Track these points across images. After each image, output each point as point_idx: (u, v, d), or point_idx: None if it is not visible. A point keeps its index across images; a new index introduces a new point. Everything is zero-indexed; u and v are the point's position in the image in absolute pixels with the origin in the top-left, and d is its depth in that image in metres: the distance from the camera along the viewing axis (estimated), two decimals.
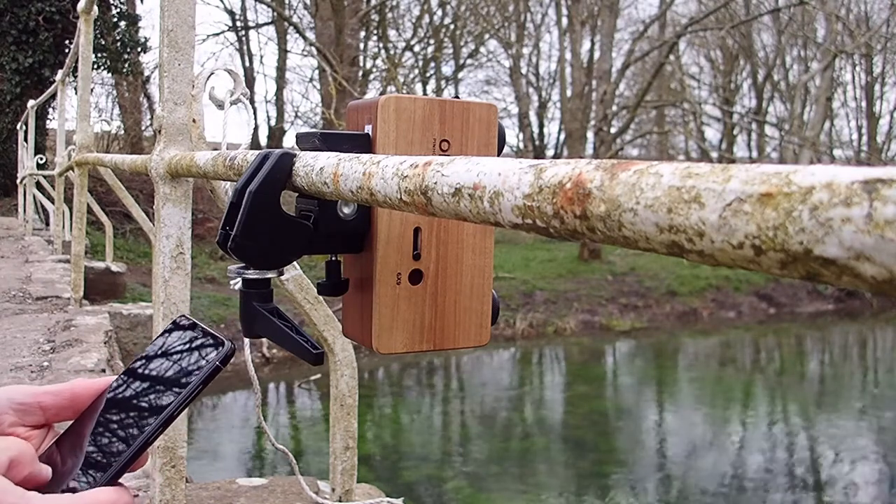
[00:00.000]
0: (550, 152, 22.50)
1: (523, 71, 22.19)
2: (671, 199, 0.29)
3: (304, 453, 6.36)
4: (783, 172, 0.26)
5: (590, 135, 17.30)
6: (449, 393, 9.21)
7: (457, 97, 0.67)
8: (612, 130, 17.00)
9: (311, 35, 15.74)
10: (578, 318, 12.76)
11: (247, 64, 19.93)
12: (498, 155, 0.67)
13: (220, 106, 1.25)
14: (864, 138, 24.14)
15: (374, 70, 19.04)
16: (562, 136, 21.21)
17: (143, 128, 15.72)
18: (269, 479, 1.94)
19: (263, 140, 19.56)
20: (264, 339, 0.68)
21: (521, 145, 22.30)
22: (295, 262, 1.23)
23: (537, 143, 22.67)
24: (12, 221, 9.88)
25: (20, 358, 2.77)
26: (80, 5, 3.17)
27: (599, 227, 0.33)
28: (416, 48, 20.43)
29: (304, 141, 0.66)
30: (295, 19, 17.87)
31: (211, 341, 0.53)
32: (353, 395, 1.39)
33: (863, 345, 13.11)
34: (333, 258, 0.67)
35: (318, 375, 8.53)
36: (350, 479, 1.40)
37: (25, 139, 8.87)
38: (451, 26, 20.78)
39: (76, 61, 3.46)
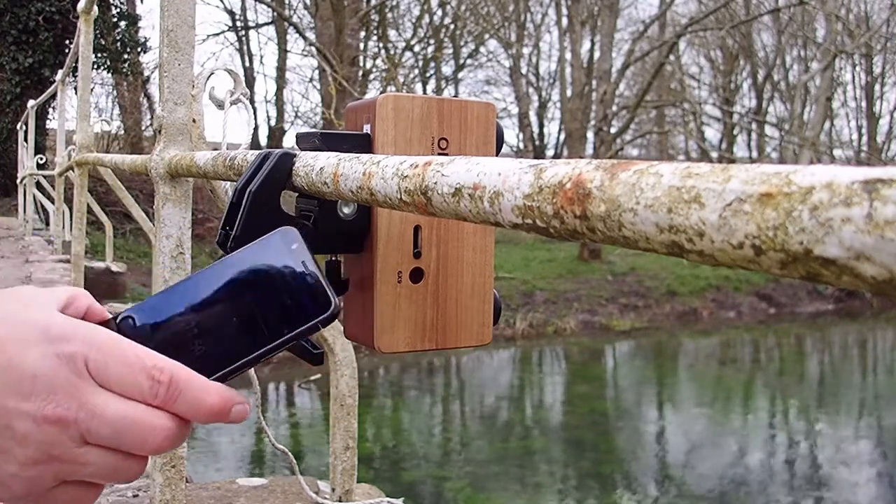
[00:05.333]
0: (550, 152, 22.48)
1: (523, 71, 22.18)
2: (671, 199, 0.29)
3: (304, 453, 6.36)
4: (783, 172, 0.26)
5: (590, 135, 17.29)
6: (449, 393, 9.21)
7: (456, 97, 0.67)
8: (612, 130, 17.00)
9: (311, 35, 15.74)
10: (578, 318, 12.75)
11: (247, 64, 19.94)
12: (497, 153, 0.67)
13: (220, 106, 1.25)
14: (864, 138, 24.15)
15: (374, 70, 19.05)
16: (562, 136, 21.21)
17: (143, 128, 15.72)
18: (269, 479, 1.94)
19: (263, 140, 19.55)
20: None
21: (521, 145, 22.28)
22: None
23: (537, 143, 22.65)
24: (12, 221, 9.88)
25: None
26: (80, 5, 3.17)
27: (599, 227, 0.33)
28: (416, 48, 20.44)
29: (304, 141, 0.66)
30: (295, 19, 17.87)
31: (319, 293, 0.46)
32: (353, 395, 1.39)
33: (863, 345, 13.10)
34: (333, 258, 0.67)
35: (318, 375, 8.53)
36: (350, 479, 1.40)
37: (25, 139, 8.87)
38: (451, 26, 20.78)
39: (76, 61, 3.45)
